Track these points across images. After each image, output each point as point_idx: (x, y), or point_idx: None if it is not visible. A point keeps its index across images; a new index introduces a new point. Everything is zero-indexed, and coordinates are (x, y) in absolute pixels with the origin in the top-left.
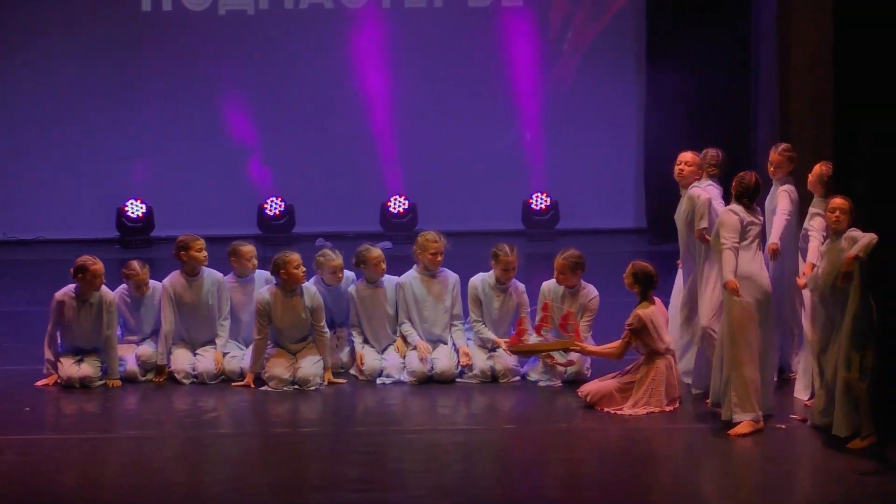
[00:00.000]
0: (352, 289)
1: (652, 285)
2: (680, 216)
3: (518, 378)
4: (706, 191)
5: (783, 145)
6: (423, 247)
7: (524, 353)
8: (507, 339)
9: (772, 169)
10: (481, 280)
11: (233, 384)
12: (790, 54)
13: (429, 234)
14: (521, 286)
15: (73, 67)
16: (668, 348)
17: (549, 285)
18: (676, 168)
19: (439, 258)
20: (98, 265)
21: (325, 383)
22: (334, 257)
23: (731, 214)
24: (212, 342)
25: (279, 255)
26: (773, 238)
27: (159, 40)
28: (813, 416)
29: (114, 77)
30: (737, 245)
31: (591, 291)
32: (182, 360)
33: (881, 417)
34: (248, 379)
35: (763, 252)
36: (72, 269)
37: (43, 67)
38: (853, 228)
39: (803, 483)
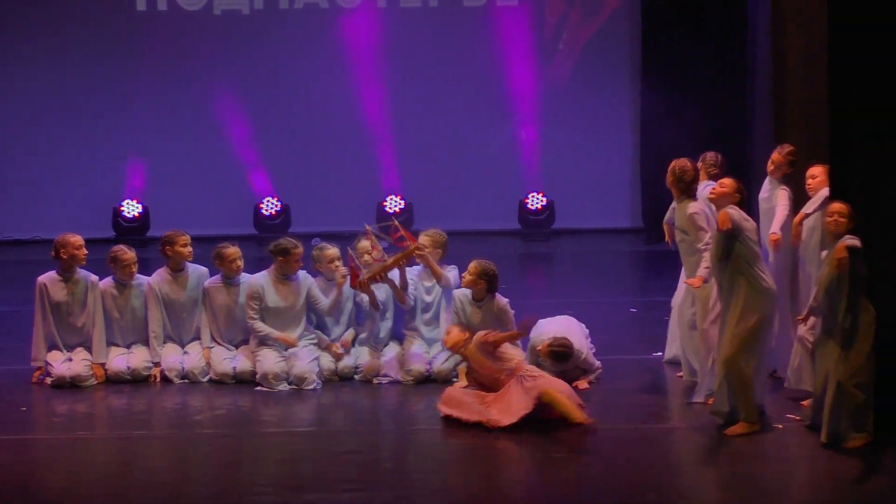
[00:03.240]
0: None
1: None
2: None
3: None
4: (702, 195)
5: (788, 148)
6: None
7: (373, 281)
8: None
9: (772, 167)
10: (462, 293)
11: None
12: (785, 57)
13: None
14: (504, 300)
15: (69, 67)
16: (514, 366)
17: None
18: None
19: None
20: (76, 237)
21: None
22: (329, 247)
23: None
24: (198, 338)
25: (281, 242)
26: (775, 228)
27: (155, 40)
28: (807, 416)
29: (110, 77)
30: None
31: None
32: (171, 357)
33: (874, 419)
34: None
35: (762, 247)
36: (52, 252)
37: (39, 67)
38: (850, 236)
39: (798, 484)
